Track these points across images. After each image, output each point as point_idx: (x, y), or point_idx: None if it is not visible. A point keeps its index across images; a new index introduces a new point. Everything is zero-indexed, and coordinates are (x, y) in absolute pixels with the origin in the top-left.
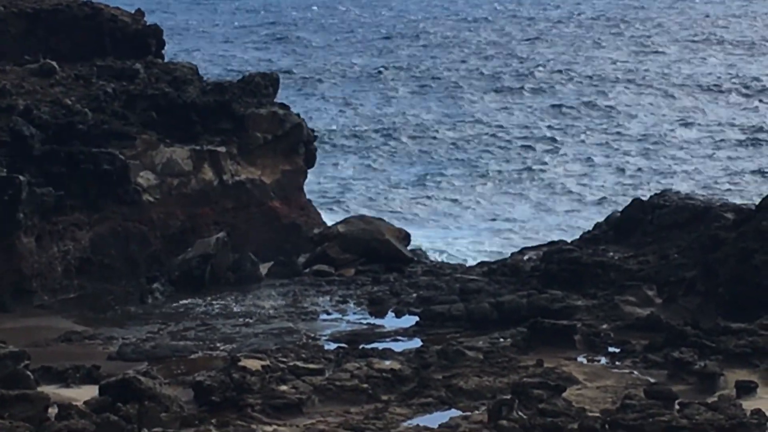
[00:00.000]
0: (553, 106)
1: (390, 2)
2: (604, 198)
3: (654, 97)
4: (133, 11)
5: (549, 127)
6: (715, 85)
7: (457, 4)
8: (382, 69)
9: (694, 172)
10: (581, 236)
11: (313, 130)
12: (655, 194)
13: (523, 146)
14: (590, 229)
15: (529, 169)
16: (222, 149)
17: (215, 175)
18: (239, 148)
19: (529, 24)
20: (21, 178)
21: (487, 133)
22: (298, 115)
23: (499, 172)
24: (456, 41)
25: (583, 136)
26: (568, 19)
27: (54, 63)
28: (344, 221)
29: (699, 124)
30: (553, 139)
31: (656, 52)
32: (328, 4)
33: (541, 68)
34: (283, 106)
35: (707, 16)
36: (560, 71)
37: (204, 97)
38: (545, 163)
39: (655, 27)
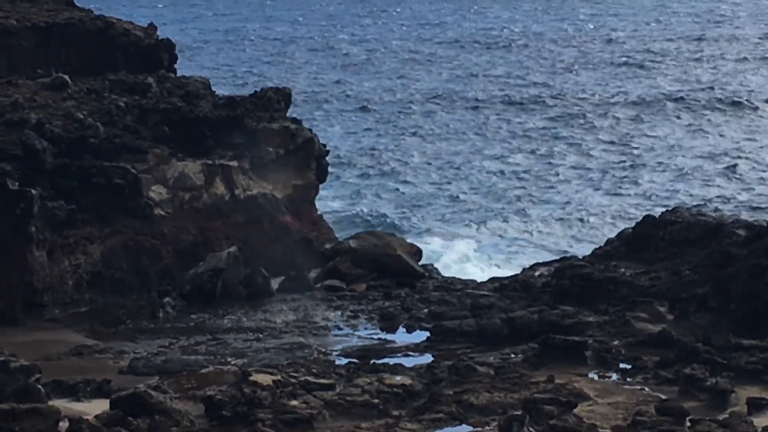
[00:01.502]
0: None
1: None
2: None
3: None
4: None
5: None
6: None
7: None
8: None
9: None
10: (593, 252)
11: (324, 145)
12: (667, 210)
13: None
14: (602, 245)
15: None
16: (234, 164)
17: (227, 189)
18: (251, 162)
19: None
20: (33, 191)
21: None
22: (310, 130)
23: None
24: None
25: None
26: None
27: (66, 77)
28: (356, 236)
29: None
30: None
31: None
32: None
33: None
34: (295, 120)
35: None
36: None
37: (216, 111)
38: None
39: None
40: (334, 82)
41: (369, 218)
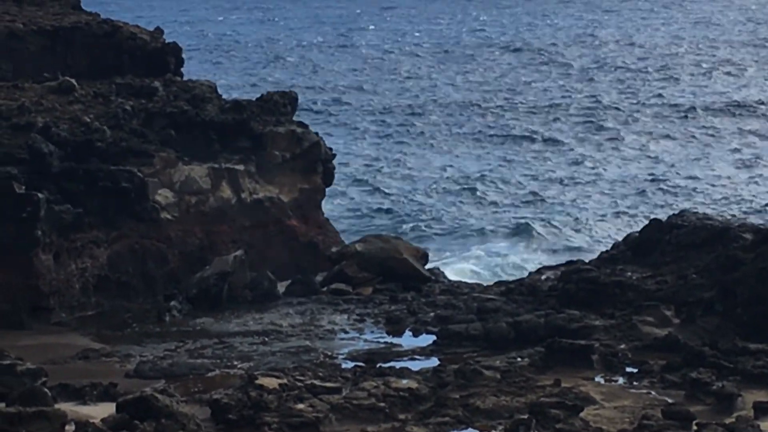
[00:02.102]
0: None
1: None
2: None
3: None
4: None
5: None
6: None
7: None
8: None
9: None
10: (599, 256)
11: (331, 149)
12: (673, 214)
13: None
14: (608, 248)
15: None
16: (240, 167)
17: (233, 193)
18: (257, 166)
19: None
20: (39, 195)
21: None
22: (316, 133)
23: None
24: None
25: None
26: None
27: (73, 80)
28: (362, 240)
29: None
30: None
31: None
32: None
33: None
34: (301, 124)
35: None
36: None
37: (222, 115)
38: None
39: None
40: (342, 86)
41: (376, 225)
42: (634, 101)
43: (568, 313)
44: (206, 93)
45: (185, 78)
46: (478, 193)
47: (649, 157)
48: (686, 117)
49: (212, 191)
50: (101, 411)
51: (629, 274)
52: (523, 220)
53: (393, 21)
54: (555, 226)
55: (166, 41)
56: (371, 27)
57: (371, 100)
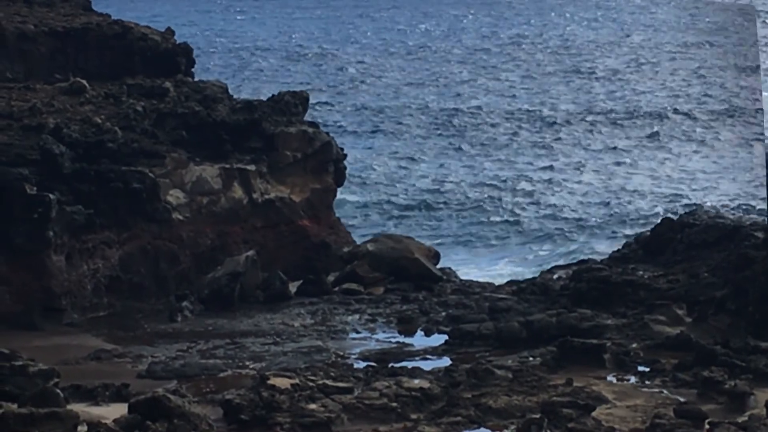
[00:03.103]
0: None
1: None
2: None
3: None
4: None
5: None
6: None
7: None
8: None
9: None
10: (611, 255)
11: (342, 149)
12: (685, 213)
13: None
14: (620, 248)
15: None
16: (252, 168)
17: (245, 193)
18: (269, 166)
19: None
20: (51, 196)
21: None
22: (327, 133)
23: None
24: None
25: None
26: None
27: (84, 81)
28: (373, 240)
29: None
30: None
31: None
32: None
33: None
34: (312, 124)
35: None
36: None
37: (234, 115)
38: None
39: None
40: (352, 88)
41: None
42: (666, 103)
43: (579, 312)
44: (217, 93)
45: (196, 78)
46: (505, 199)
47: (678, 159)
48: (720, 120)
49: (224, 192)
50: (113, 412)
51: (641, 273)
52: (549, 225)
53: (414, 19)
54: (582, 226)
55: (177, 41)
56: (385, 30)
57: (386, 102)
